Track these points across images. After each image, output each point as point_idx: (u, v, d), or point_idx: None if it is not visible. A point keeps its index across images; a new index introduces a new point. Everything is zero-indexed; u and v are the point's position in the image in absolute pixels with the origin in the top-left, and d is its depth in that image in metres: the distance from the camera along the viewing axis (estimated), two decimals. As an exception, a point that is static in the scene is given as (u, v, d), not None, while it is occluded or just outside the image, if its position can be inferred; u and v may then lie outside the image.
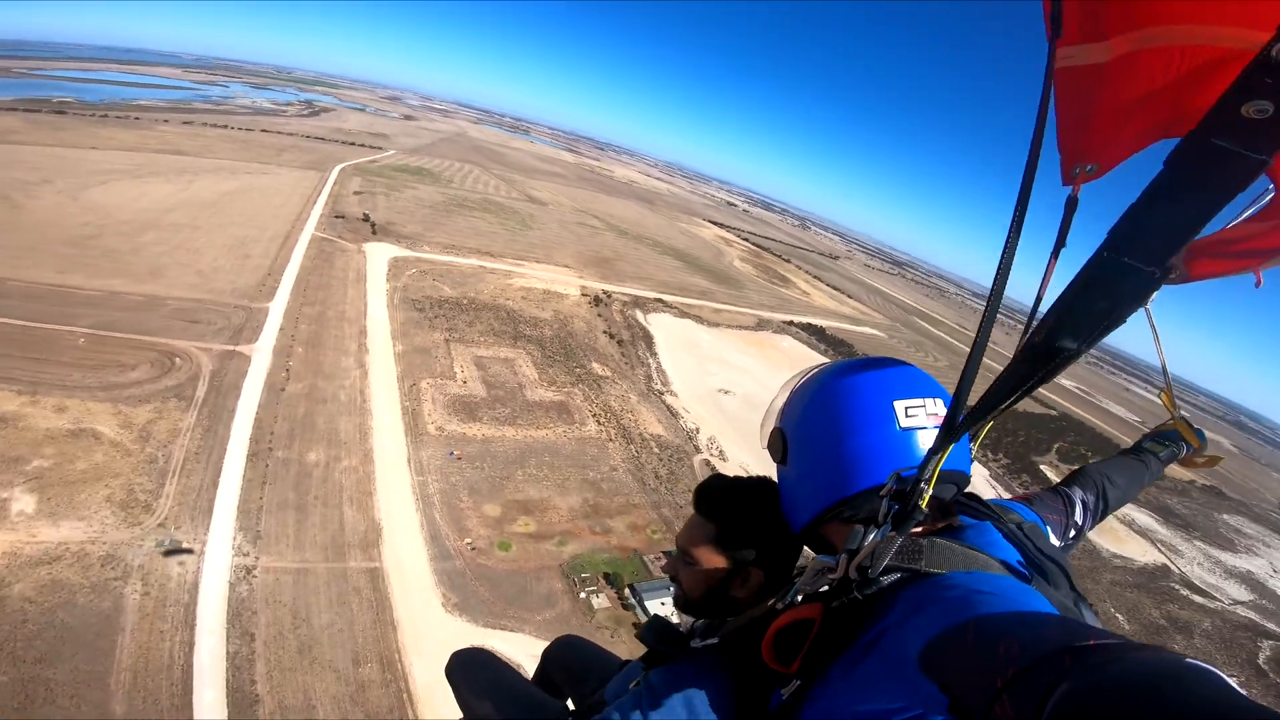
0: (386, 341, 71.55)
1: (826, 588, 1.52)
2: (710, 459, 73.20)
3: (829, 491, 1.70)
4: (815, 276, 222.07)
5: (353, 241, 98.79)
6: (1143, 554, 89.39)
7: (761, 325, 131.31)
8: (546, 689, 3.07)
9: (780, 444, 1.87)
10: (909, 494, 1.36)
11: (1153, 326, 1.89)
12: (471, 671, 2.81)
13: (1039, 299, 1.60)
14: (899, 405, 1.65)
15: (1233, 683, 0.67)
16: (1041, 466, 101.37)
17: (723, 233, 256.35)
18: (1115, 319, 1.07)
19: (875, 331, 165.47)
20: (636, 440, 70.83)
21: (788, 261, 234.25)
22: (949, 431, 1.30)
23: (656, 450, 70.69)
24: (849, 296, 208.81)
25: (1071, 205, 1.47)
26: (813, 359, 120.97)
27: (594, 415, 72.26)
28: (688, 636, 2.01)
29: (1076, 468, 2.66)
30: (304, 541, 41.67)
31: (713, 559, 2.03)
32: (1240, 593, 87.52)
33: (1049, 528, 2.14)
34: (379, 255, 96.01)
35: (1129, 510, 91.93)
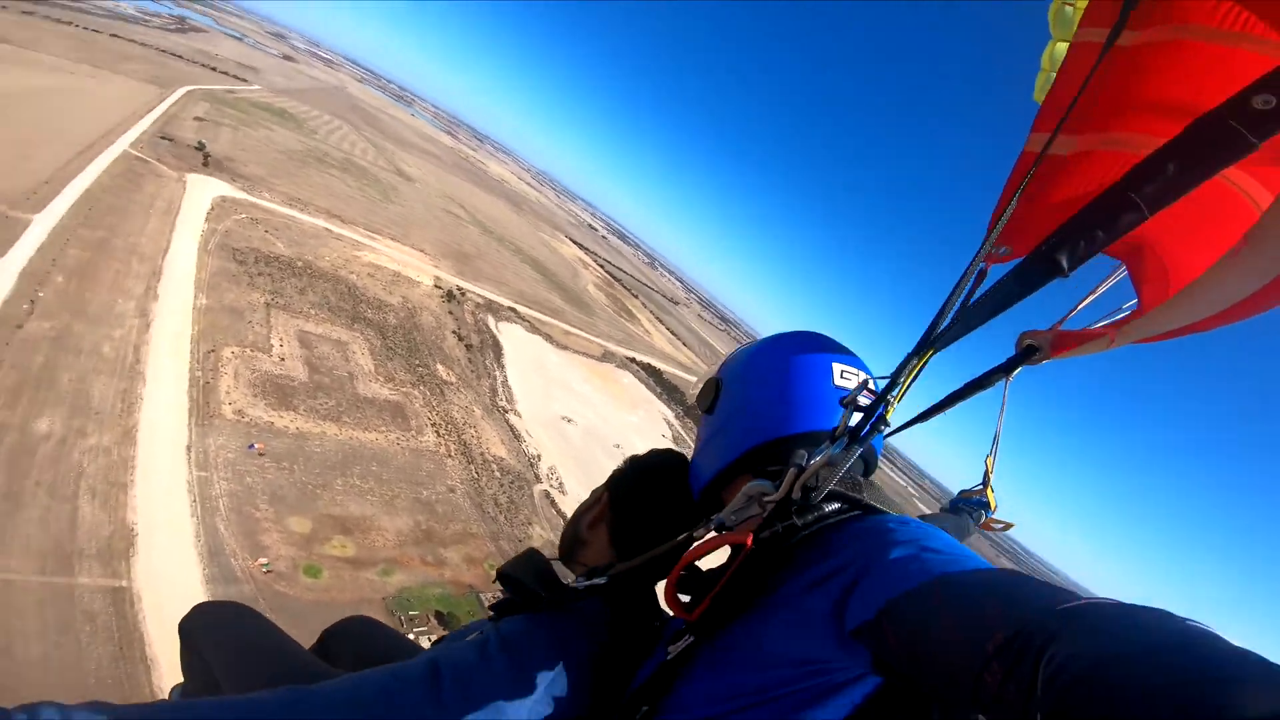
0: (187, 291, 55.75)
1: (754, 518, 1.34)
2: (550, 490, 66.65)
3: (756, 432, 1.56)
4: (658, 318, 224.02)
5: (174, 169, 78.61)
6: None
7: (607, 357, 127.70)
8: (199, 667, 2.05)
9: (713, 393, 1.73)
10: (875, 404, 1.28)
11: (1004, 398, 1.98)
12: (225, 629, 2.02)
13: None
14: (836, 366, 1.59)
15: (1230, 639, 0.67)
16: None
17: (581, 254, 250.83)
18: (1102, 247, 1.13)
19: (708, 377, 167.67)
20: (478, 460, 62.32)
21: (635, 297, 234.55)
22: (929, 337, 1.29)
23: (498, 474, 62.84)
24: (684, 344, 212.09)
25: (980, 277, 1.44)
26: (649, 400, 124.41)
27: (433, 425, 62.38)
28: (563, 584, 1.51)
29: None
30: (10, 543, 29.24)
31: (595, 493, 1.93)
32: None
33: None
34: (203, 190, 77.12)
35: None
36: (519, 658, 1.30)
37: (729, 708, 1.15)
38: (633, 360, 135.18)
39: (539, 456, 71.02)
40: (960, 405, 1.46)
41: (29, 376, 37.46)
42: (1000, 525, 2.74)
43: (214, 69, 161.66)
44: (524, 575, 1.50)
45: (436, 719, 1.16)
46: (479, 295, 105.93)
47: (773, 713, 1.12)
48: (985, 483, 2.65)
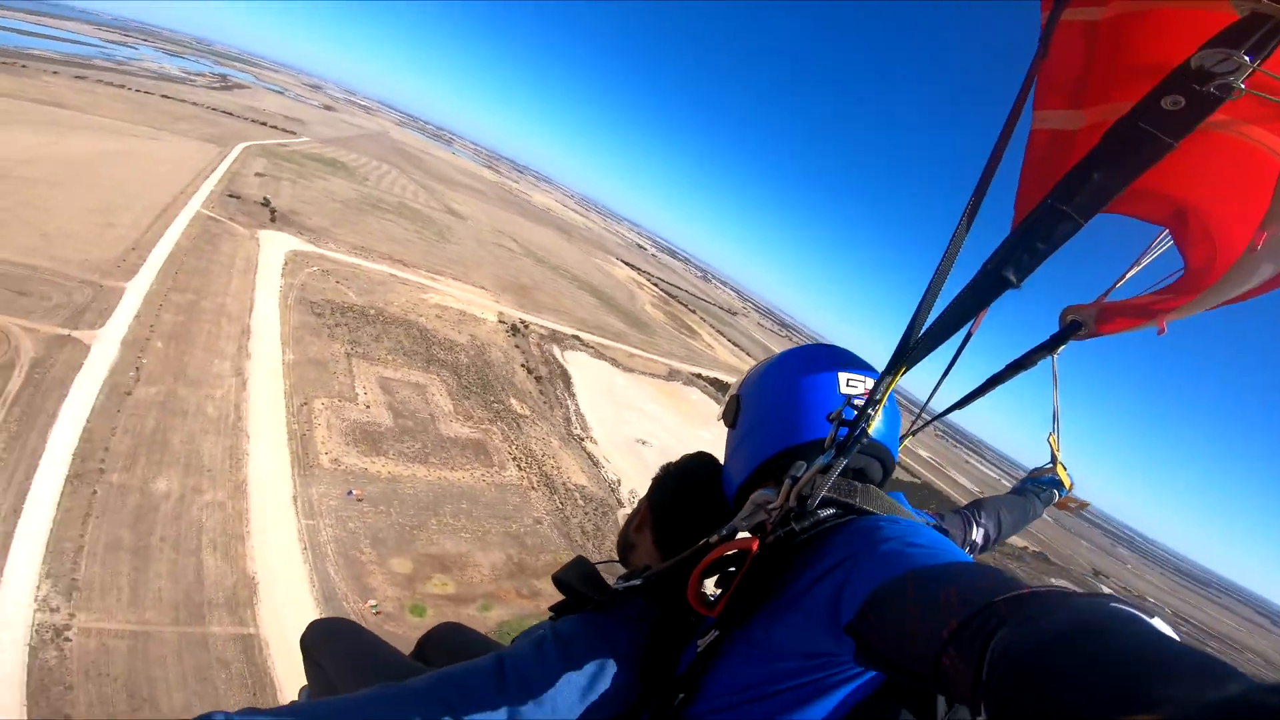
0: (275, 347, 58.63)
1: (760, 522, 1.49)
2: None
3: (769, 444, 1.74)
4: (718, 330, 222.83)
5: (246, 226, 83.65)
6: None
7: (673, 375, 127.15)
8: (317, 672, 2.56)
9: (734, 408, 1.93)
10: (856, 418, 1.44)
11: (1055, 375, 2.09)
12: (336, 642, 2.44)
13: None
14: (842, 375, 1.73)
15: (1160, 623, 0.72)
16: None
17: (635, 275, 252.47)
18: (1045, 257, 1.20)
19: None
20: (560, 490, 62.49)
21: (693, 312, 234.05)
22: (900, 354, 1.38)
23: (581, 502, 62.74)
24: (747, 354, 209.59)
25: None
26: (717, 412, 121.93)
27: (514, 459, 63.09)
28: (605, 583, 1.76)
29: (980, 499, 2.76)
30: (143, 597, 31.01)
31: (639, 513, 2.12)
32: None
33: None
34: (276, 245, 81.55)
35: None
36: (570, 652, 1.51)
37: (748, 696, 1.31)
38: (698, 376, 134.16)
39: (619, 481, 70.70)
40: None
41: (143, 440, 40.18)
42: (1075, 505, 2.79)
43: (263, 124, 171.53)
44: (573, 580, 1.76)
45: (501, 707, 1.37)
46: (542, 326, 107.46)
47: (785, 702, 1.26)
48: (1054, 460, 2.74)
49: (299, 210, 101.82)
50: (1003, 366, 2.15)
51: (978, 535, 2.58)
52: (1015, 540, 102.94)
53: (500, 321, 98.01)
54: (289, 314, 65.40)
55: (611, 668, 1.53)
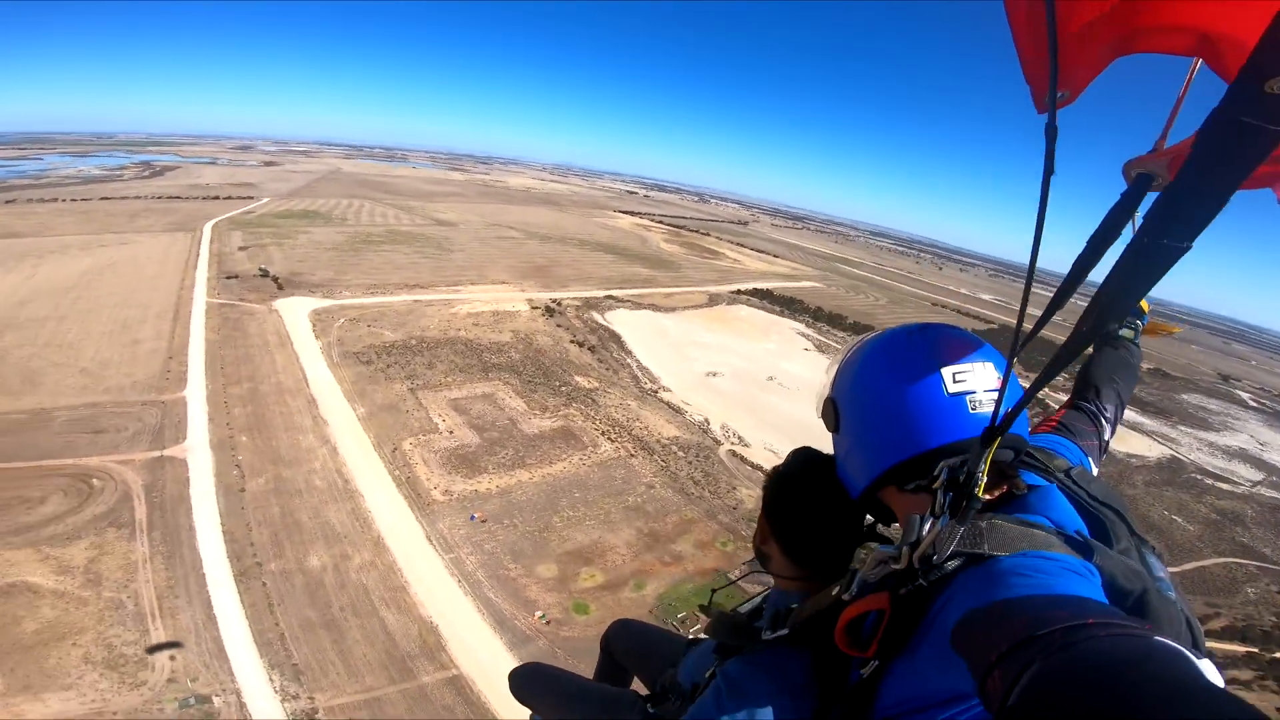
0: (344, 407, 60.33)
1: (889, 573, 1.54)
2: (733, 448, 67.32)
3: (879, 459, 1.72)
4: (738, 244, 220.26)
5: (259, 301, 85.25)
6: (1148, 449, 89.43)
7: (714, 300, 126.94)
8: (612, 671, 3.23)
9: (833, 413, 1.89)
10: (963, 484, 1.38)
11: (1135, 230, 1.74)
12: (535, 684, 3.01)
13: (1038, 233, 1.44)
14: (946, 372, 1.65)
15: (1209, 666, 0.74)
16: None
17: (637, 220, 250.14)
18: (1155, 283, 1.15)
19: (814, 284, 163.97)
20: (657, 449, 63.65)
21: (707, 235, 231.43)
22: (991, 434, 1.36)
23: (680, 454, 63.89)
24: (775, 256, 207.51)
25: (1052, 132, 1.39)
26: (775, 323, 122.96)
27: (602, 433, 64.42)
28: (756, 629, 1.97)
29: (1080, 373, 2.60)
30: (355, 665, 33.76)
31: (760, 525, 2.21)
32: (1250, 473, 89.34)
33: (1088, 458, 2.18)
34: (296, 311, 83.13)
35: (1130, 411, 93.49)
36: (744, 691, 1.73)
37: (918, 705, 1.41)
38: (738, 292, 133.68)
39: (706, 421, 71.54)
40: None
41: (277, 526, 42.57)
42: (1164, 330, 2.77)
43: (215, 197, 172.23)
44: (722, 636, 2.00)
45: None
46: (573, 299, 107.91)
47: (954, 714, 1.34)
48: None
49: (298, 270, 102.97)
50: (1084, 246, 1.86)
51: (1107, 425, 2.46)
52: None
53: (533, 308, 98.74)
54: (340, 371, 66.97)
55: (785, 698, 1.76)
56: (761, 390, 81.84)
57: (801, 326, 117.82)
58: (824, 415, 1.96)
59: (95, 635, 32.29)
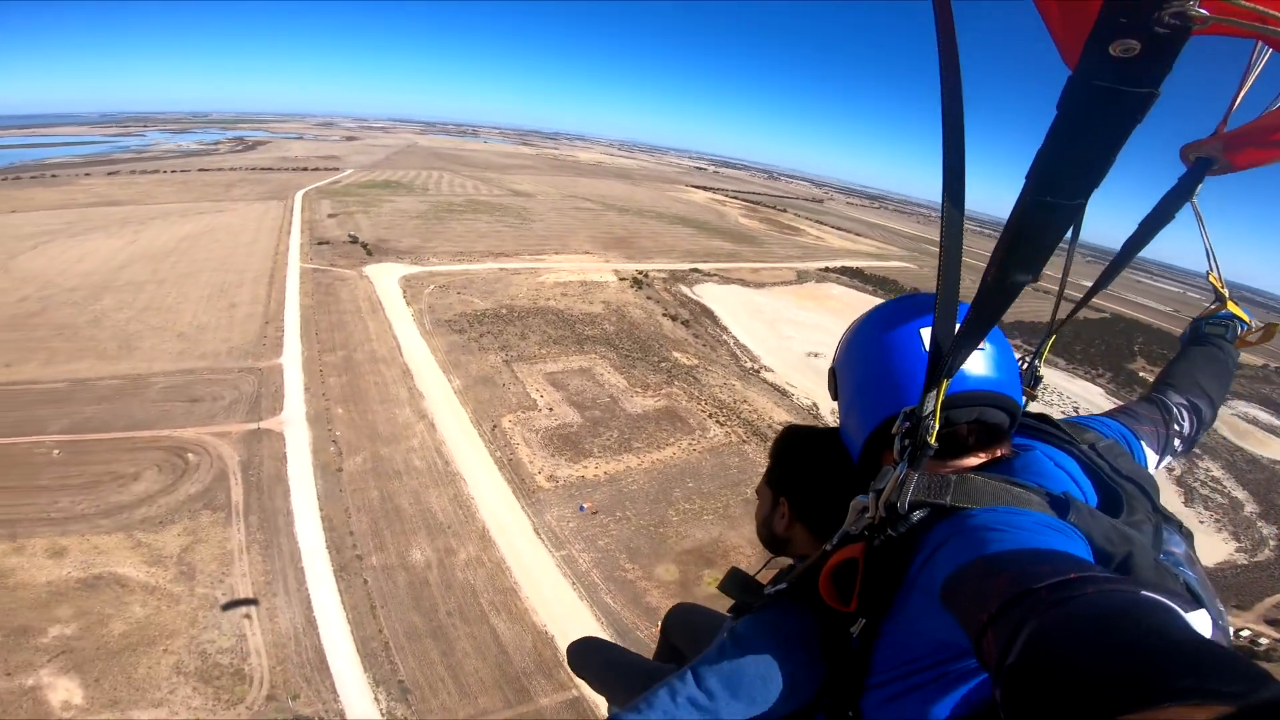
0: (439, 378, 55.69)
1: (866, 524, 1.53)
2: None
3: (867, 420, 1.73)
4: (817, 221, 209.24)
5: (349, 267, 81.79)
6: (1299, 453, 76.26)
7: (802, 277, 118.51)
8: (668, 653, 3.17)
9: (833, 381, 1.93)
10: (916, 429, 1.39)
11: (1198, 216, 1.95)
12: (591, 658, 3.05)
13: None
14: (923, 332, 1.64)
15: (1196, 615, 0.73)
16: (1140, 373, 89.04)
17: (711, 195, 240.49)
18: (1054, 247, 1.14)
19: (904, 264, 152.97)
20: (768, 436, 56.46)
21: (784, 211, 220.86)
22: (933, 375, 1.36)
23: None
24: (857, 235, 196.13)
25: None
26: (867, 302, 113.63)
27: (710, 415, 58.10)
28: (761, 585, 1.96)
29: (1162, 370, 2.51)
30: (467, 683, 28.75)
31: (762, 494, 2.15)
32: None
33: (1142, 441, 2.11)
34: (385, 276, 79.28)
35: (1243, 409, 79.70)
36: (749, 647, 1.69)
37: (916, 667, 1.37)
38: (827, 270, 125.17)
39: (814, 405, 64.52)
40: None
41: (377, 513, 37.90)
42: (1260, 333, 2.47)
43: (304, 169, 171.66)
44: (732, 590, 1.97)
45: (708, 707, 1.61)
46: (659, 271, 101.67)
47: (955, 673, 1.31)
48: (1221, 299, 2.48)
49: (386, 237, 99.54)
50: (1136, 227, 1.90)
51: (1183, 422, 2.22)
52: (1252, 358, 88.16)
53: (620, 279, 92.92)
54: (434, 340, 62.56)
55: (787, 654, 1.67)
56: None
57: None
58: (828, 386, 1.94)
59: (188, 640, 28.16)
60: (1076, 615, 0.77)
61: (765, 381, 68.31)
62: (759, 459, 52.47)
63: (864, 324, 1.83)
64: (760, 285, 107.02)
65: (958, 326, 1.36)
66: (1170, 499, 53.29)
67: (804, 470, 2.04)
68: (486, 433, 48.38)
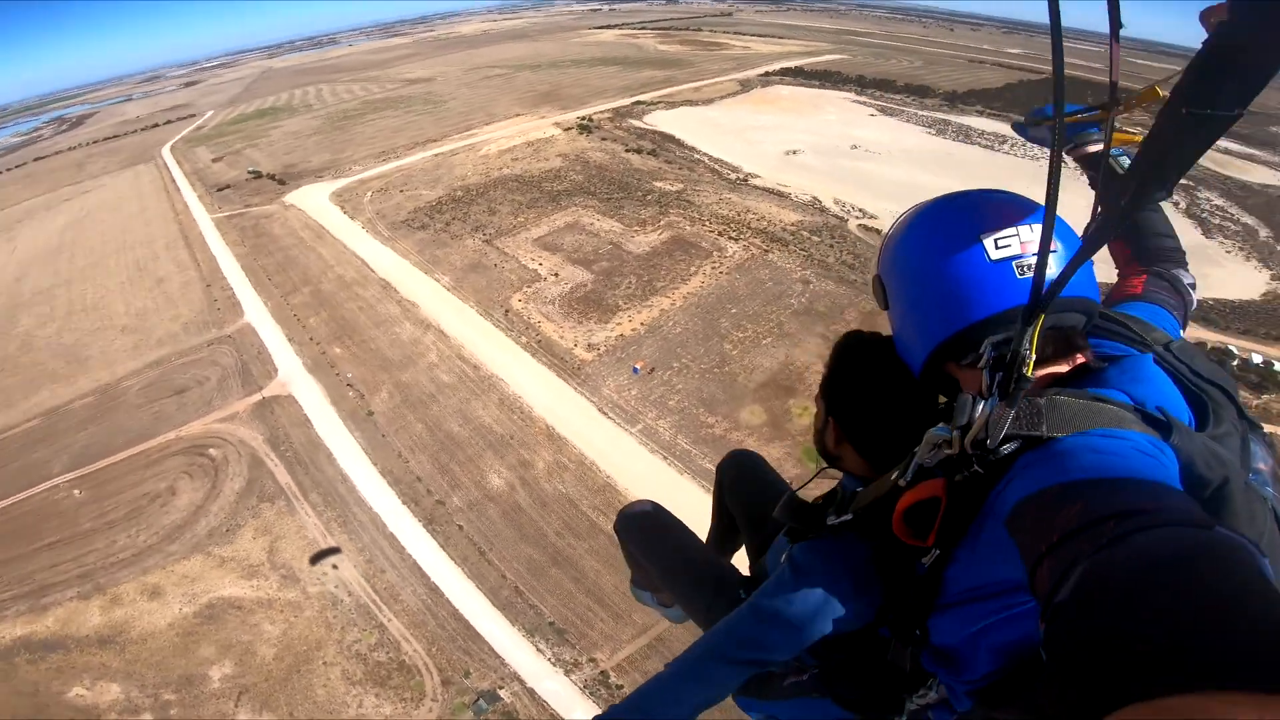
0: (425, 281, 49.16)
1: (945, 458, 1.41)
2: (860, 222, 55.94)
3: (928, 337, 1.55)
4: (737, 33, 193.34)
5: (267, 202, 70.94)
6: (1275, 179, 68.08)
7: (746, 86, 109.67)
8: (723, 515, 3.04)
9: (881, 290, 1.72)
10: (1010, 363, 1.22)
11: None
12: (645, 525, 2.75)
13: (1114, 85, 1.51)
14: (987, 239, 1.44)
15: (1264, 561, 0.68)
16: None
17: (619, 31, 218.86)
18: (1195, 161, 1.06)
19: (837, 56, 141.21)
20: (787, 239, 52.45)
21: (699, 30, 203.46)
22: (1032, 310, 1.20)
23: (815, 238, 52.65)
24: (780, 38, 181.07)
25: None
26: (822, 96, 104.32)
27: (719, 233, 53.27)
28: (822, 511, 1.82)
29: (1133, 238, 2.15)
30: (614, 603, 25.58)
31: (817, 403, 2.01)
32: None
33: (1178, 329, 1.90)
34: (312, 199, 69.04)
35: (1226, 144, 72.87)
36: (808, 577, 1.66)
37: (985, 592, 1.30)
38: (767, 74, 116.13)
39: (816, 199, 60.21)
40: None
41: (432, 448, 33.46)
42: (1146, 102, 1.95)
43: (154, 125, 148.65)
44: (787, 518, 1.86)
45: (771, 643, 1.65)
46: (602, 112, 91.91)
47: (1006, 607, 1.26)
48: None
49: (291, 162, 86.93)
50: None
51: (1190, 290, 1.98)
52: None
53: (565, 130, 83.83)
54: (400, 245, 55.42)
55: (849, 583, 1.64)
56: (851, 160, 69.91)
57: (852, 95, 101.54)
58: (874, 293, 1.74)
59: (337, 646, 25.09)
60: (1139, 557, 0.71)
61: (757, 188, 63.13)
62: (788, 265, 48.20)
63: (914, 229, 1.59)
64: (709, 102, 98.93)
65: (1019, 232, 1.32)
66: (1188, 232, 50.44)
67: (852, 389, 1.87)
68: (501, 320, 42.93)
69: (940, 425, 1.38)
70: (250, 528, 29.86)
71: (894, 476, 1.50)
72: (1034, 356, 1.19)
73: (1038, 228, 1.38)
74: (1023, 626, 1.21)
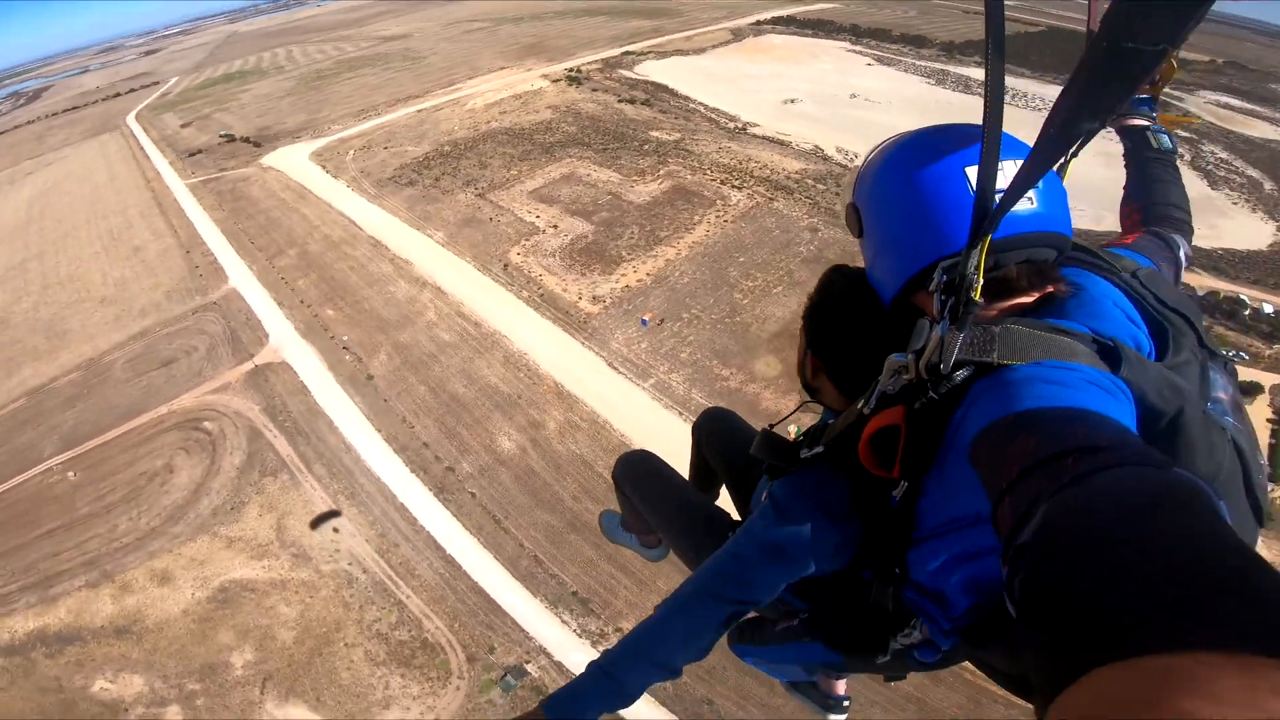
0: (417, 238, 47.00)
1: (905, 385, 1.41)
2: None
3: (902, 267, 1.52)
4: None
5: (243, 165, 67.53)
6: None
7: (738, 35, 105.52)
8: (701, 465, 3.02)
9: (855, 218, 1.68)
10: (958, 286, 1.22)
11: None
12: (640, 470, 2.83)
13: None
14: (970, 171, 1.40)
15: (1221, 506, 0.66)
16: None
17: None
18: (1130, 93, 1.09)
19: (830, 4, 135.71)
20: (791, 187, 50.51)
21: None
22: (979, 227, 1.19)
23: (820, 186, 50.66)
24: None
25: None
26: (817, 44, 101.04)
27: (721, 181, 51.30)
28: (798, 446, 1.82)
29: (1133, 196, 2.20)
30: (635, 569, 24.62)
31: (807, 360, 1.96)
32: None
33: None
34: (292, 159, 65.89)
35: (1212, 96, 71.89)
36: (789, 512, 1.64)
37: (960, 524, 1.27)
38: (759, 23, 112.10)
39: (818, 148, 57.82)
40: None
41: (436, 411, 31.93)
42: (1180, 122, 2.30)
43: (116, 95, 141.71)
44: (764, 454, 1.84)
45: (755, 578, 1.63)
46: (591, 63, 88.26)
47: (979, 540, 1.24)
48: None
49: (266, 124, 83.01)
50: None
51: (1183, 256, 1.95)
52: (1198, 54, 78.25)
53: (553, 81, 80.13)
54: (388, 201, 52.90)
55: (827, 517, 1.61)
56: (851, 109, 67.51)
57: (847, 45, 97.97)
58: (847, 222, 1.70)
59: (357, 627, 24.10)
60: (1102, 498, 0.69)
61: (757, 136, 60.70)
62: (794, 213, 46.67)
63: (893, 157, 1.54)
64: (700, 51, 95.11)
65: (1002, 168, 1.24)
66: (1195, 185, 48.58)
67: (825, 320, 1.84)
68: (500, 275, 41.12)
69: (900, 352, 1.37)
70: (255, 504, 28.41)
71: (860, 405, 1.48)
72: (981, 280, 1.18)
73: (1018, 164, 1.29)
74: (995, 562, 1.07)
